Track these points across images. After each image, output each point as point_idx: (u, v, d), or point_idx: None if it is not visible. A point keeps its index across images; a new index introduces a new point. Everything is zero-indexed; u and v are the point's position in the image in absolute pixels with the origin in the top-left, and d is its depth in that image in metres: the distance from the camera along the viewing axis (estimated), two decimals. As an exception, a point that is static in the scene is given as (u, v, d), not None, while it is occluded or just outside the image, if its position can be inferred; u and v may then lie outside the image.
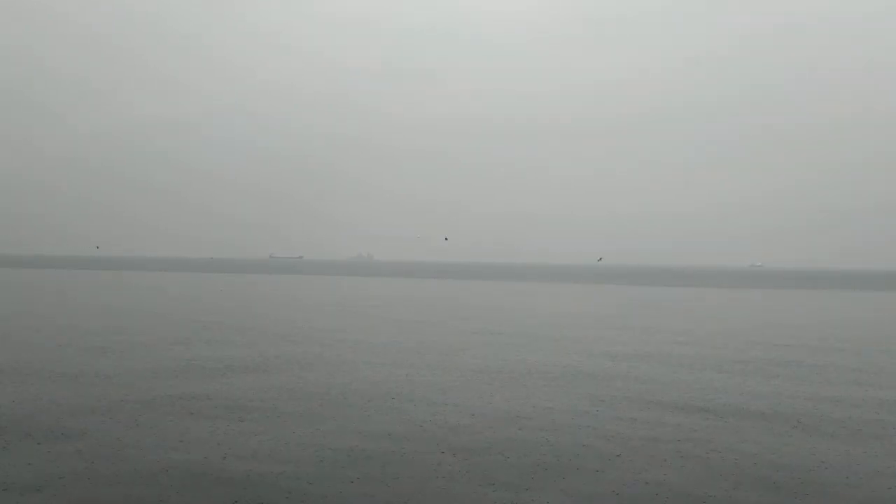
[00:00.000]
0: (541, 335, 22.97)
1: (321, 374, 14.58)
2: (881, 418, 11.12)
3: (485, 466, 8.26)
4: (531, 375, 14.89)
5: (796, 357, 18.61)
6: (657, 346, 20.43)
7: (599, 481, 7.74)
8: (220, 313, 29.59)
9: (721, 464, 8.46)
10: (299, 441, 9.23)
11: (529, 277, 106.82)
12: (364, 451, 8.79)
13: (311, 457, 8.52)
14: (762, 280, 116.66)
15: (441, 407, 11.52)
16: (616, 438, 9.51)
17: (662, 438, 9.55)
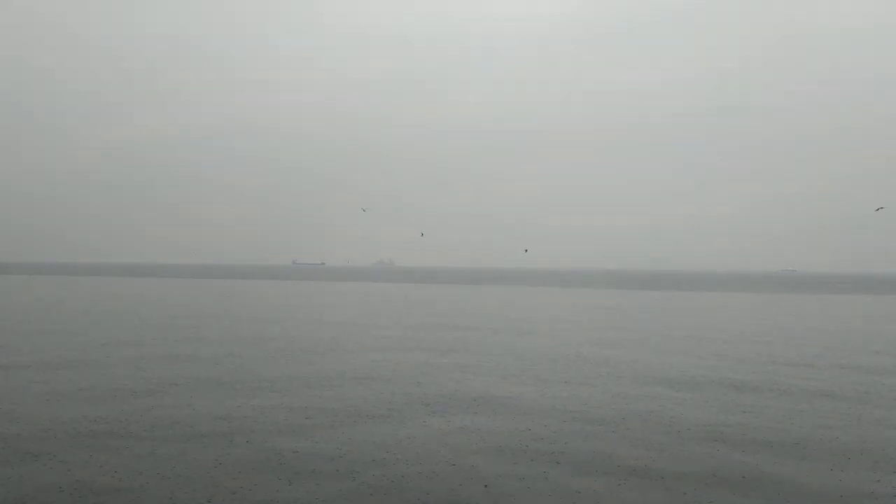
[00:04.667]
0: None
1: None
2: None
3: None
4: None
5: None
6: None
7: None
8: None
9: None
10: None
11: (552, 283, 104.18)
12: None
13: None
14: (802, 285, 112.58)
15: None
16: None
17: None
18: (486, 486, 7.57)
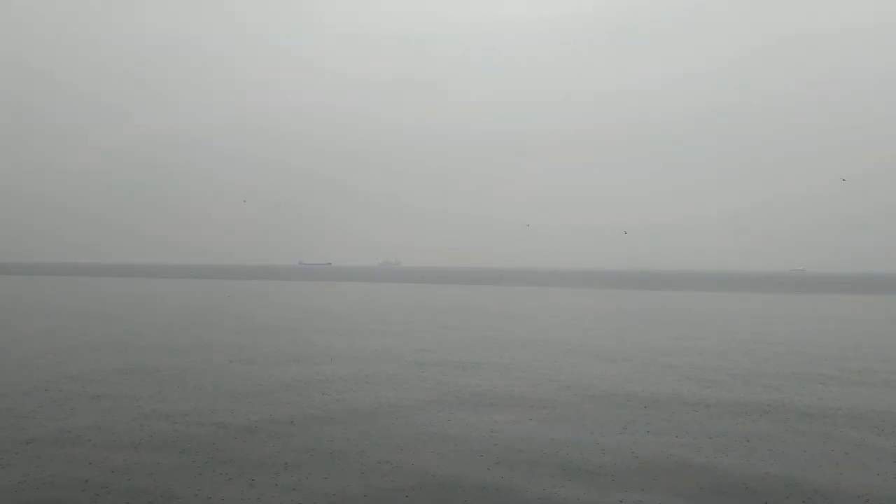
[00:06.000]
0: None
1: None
2: None
3: None
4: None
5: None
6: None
7: None
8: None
9: None
10: None
11: (557, 283, 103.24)
12: None
13: None
14: (815, 286, 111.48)
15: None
16: None
17: None
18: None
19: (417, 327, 26.86)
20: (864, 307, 45.64)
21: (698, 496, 7.29)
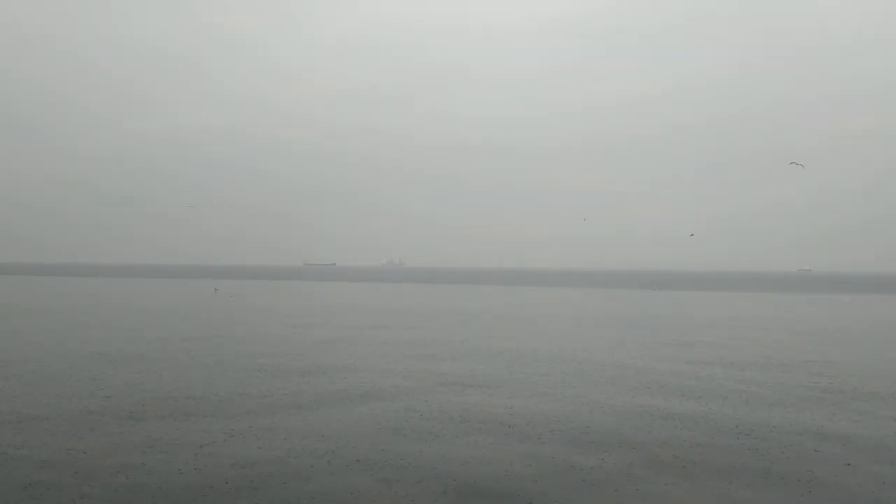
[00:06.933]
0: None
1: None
2: None
3: None
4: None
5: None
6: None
7: None
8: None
9: None
10: None
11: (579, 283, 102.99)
12: None
13: None
14: (825, 285, 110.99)
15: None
16: None
17: None
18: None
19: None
20: (863, 306, 45.30)
21: None
